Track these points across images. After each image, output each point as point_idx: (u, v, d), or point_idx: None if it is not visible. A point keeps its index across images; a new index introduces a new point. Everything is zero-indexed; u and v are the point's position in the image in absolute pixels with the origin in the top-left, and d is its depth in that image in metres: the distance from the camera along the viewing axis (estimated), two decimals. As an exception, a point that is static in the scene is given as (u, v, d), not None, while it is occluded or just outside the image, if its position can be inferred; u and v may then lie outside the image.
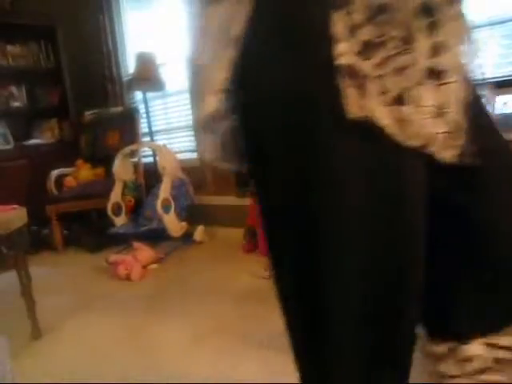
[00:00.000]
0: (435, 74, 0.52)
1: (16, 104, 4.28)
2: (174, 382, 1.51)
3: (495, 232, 0.66)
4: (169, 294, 2.36)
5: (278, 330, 1.72)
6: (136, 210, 3.49)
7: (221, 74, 0.58)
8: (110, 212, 3.32)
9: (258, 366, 1.52)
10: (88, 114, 4.09)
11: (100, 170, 3.86)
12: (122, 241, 3.30)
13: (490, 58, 2.55)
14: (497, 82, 2.41)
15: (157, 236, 3.20)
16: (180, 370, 1.57)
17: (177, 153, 3.68)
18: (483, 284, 0.67)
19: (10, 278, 2.02)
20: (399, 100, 0.51)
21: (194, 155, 3.84)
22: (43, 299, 2.13)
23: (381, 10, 0.50)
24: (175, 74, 3.88)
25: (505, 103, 2.38)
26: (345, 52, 0.50)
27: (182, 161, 3.56)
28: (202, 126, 0.64)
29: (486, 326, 0.68)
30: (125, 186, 3.49)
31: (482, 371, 0.68)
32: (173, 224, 3.13)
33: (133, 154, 3.63)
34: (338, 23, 0.51)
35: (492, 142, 0.67)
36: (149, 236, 3.14)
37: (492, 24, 2.44)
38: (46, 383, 1.58)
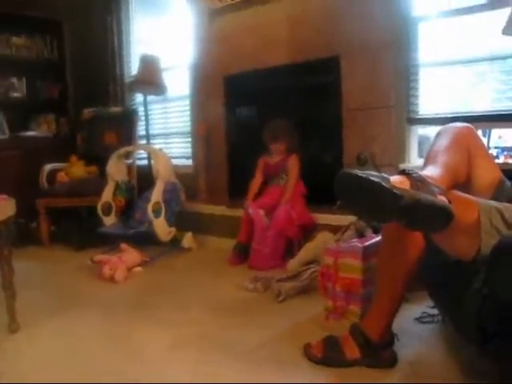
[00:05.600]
0: None
1: (16, 95, 4.27)
2: (150, 387, 1.50)
3: None
4: (151, 298, 2.34)
5: (256, 343, 1.72)
6: (126, 211, 3.47)
7: None
8: (99, 211, 3.31)
9: (235, 378, 1.51)
10: (87, 112, 4.08)
11: (93, 168, 3.84)
12: (109, 241, 3.28)
13: (488, 92, 2.59)
14: (493, 115, 2.46)
15: (145, 239, 3.18)
16: (157, 376, 1.55)
17: (172, 158, 3.69)
18: None
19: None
20: None
21: (189, 162, 3.85)
22: (24, 294, 2.10)
23: None
24: (177, 79, 3.90)
25: (500, 137, 2.41)
26: None
27: (176, 166, 3.56)
28: None
29: None
30: (117, 186, 3.47)
31: None
32: (162, 229, 3.12)
33: (128, 155, 3.63)
34: None
35: None
36: (137, 239, 3.12)
37: (493, 59, 2.48)
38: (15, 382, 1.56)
